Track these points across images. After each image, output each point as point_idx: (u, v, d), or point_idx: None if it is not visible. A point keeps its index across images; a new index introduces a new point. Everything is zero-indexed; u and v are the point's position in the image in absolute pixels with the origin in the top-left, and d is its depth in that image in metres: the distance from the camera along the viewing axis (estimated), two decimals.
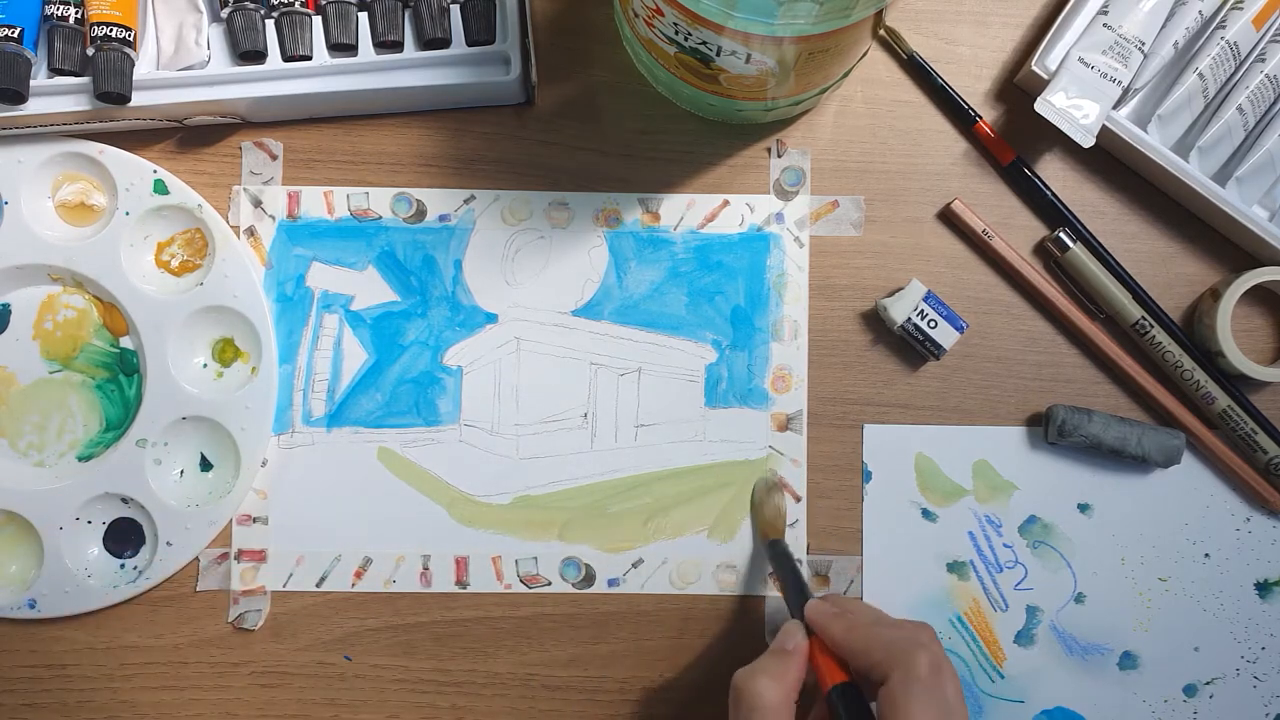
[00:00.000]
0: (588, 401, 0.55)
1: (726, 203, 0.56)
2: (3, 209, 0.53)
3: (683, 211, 0.56)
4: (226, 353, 0.55)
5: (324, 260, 0.55)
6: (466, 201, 0.55)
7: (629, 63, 0.55)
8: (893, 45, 0.56)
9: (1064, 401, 0.55)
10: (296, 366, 0.55)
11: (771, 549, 0.52)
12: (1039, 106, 0.51)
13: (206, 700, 0.54)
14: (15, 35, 0.50)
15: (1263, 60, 0.52)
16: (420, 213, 0.55)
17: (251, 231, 0.55)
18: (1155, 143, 0.53)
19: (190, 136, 0.55)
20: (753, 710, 0.44)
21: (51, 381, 0.55)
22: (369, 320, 0.55)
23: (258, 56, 0.52)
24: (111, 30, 0.50)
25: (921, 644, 0.44)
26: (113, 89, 0.50)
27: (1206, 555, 0.56)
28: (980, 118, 0.56)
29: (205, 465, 0.55)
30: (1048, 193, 0.55)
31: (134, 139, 0.55)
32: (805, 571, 0.55)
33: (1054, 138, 0.54)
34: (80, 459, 0.54)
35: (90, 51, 0.51)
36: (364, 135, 0.55)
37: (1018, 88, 0.56)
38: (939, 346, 0.54)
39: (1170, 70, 0.53)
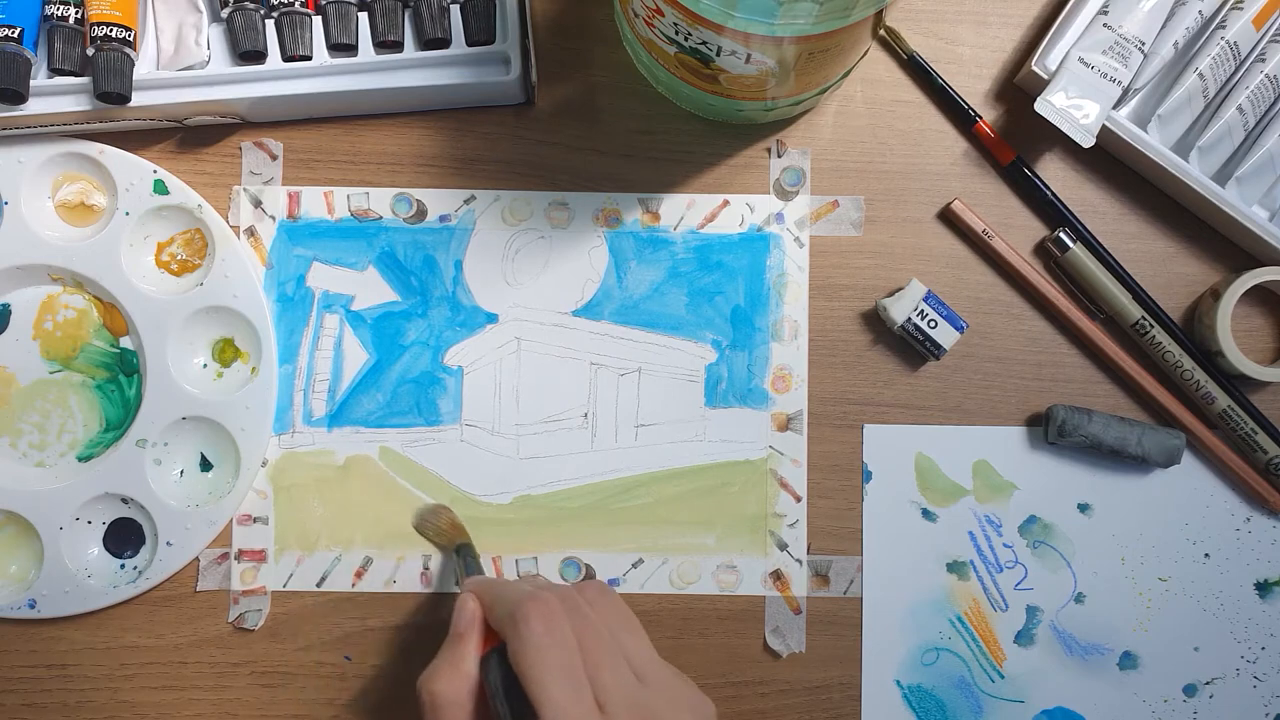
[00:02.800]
0: (588, 401, 0.55)
1: (726, 203, 0.56)
2: (3, 209, 0.53)
3: (683, 211, 0.56)
4: (226, 353, 0.55)
5: (324, 260, 0.55)
6: (467, 202, 0.55)
7: (629, 63, 0.55)
8: (893, 45, 0.56)
9: (1064, 401, 0.55)
10: (297, 366, 0.55)
11: (458, 552, 0.51)
12: (1039, 106, 0.51)
13: (206, 700, 0.54)
14: (15, 35, 0.50)
15: (1263, 60, 0.52)
16: (420, 213, 0.55)
17: (251, 231, 0.55)
18: (1155, 143, 0.53)
19: (190, 136, 0.55)
20: (434, 710, 0.42)
21: (51, 381, 0.55)
22: (369, 320, 0.55)
23: (258, 56, 0.52)
24: (111, 30, 0.50)
25: (534, 595, 0.42)
26: (113, 89, 0.50)
27: (1206, 555, 0.56)
28: (980, 118, 0.56)
29: (205, 465, 0.55)
30: (1048, 193, 0.55)
31: (134, 139, 0.55)
32: (804, 572, 0.55)
33: (1054, 138, 0.54)
34: (80, 459, 0.55)
35: (90, 51, 0.51)
36: (364, 135, 0.55)
37: (1018, 88, 0.56)
38: (939, 346, 0.54)
39: (1170, 70, 0.53)
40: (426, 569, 0.54)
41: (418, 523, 0.53)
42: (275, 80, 0.52)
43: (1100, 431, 0.54)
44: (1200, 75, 0.52)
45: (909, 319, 0.54)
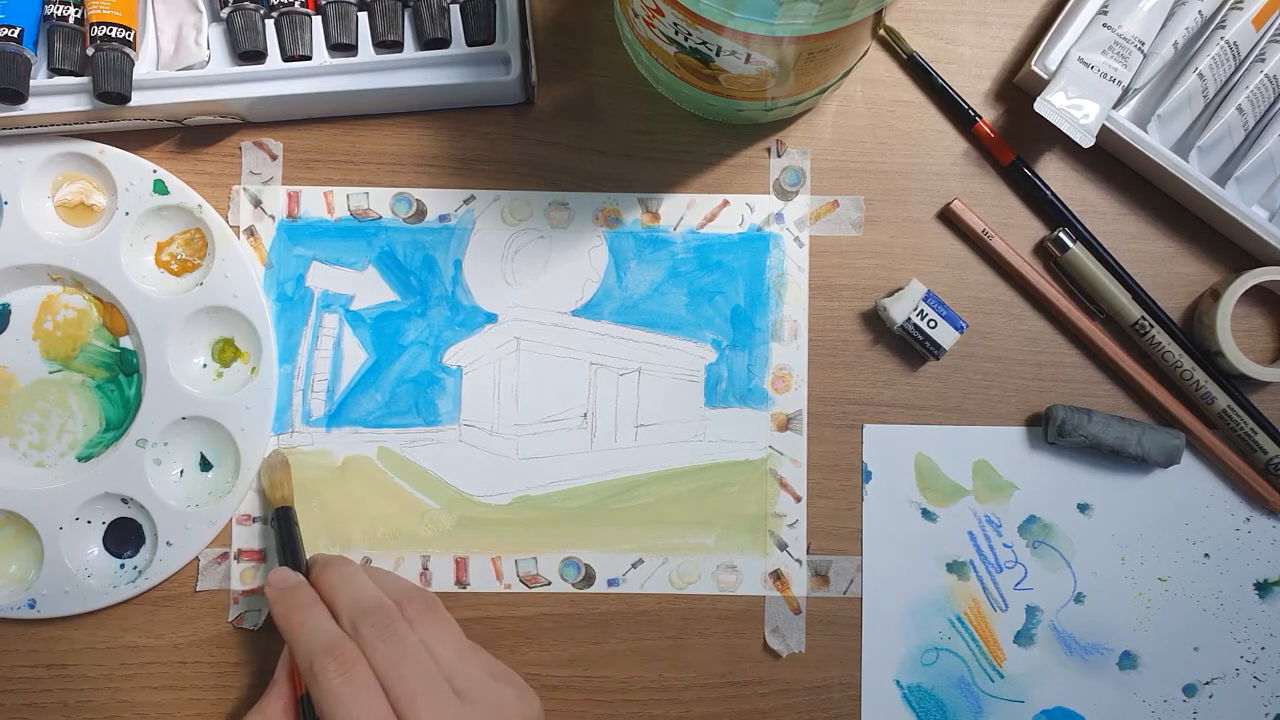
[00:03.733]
0: (588, 401, 0.55)
1: (726, 203, 0.56)
2: (3, 209, 0.53)
3: (683, 211, 0.56)
4: (226, 353, 0.55)
5: (324, 260, 0.55)
6: (466, 202, 0.55)
7: (629, 63, 0.55)
8: (893, 45, 0.56)
9: (1064, 401, 0.55)
10: (296, 366, 0.55)
11: (273, 519, 0.52)
12: (1039, 106, 0.51)
13: (206, 700, 0.54)
14: (15, 35, 0.50)
15: (1263, 60, 0.52)
16: (420, 213, 0.55)
17: (251, 231, 0.55)
18: (1155, 143, 0.53)
19: (190, 136, 0.55)
20: None
21: (51, 381, 0.55)
22: (369, 320, 0.55)
23: (258, 56, 0.52)
24: (111, 30, 0.50)
25: (332, 648, 0.44)
26: (113, 89, 0.50)
27: (1206, 555, 0.56)
28: (980, 118, 0.56)
29: (205, 465, 0.55)
30: (1048, 193, 0.55)
31: (134, 139, 0.55)
32: (804, 572, 0.55)
33: (1054, 138, 0.54)
34: (80, 459, 0.55)
35: (90, 51, 0.51)
36: (364, 135, 0.55)
37: (1018, 88, 0.56)
38: (939, 346, 0.54)
39: (1170, 70, 0.53)
40: (426, 569, 0.54)
41: (261, 475, 0.54)
42: (275, 80, 0.52)
43: (1100, 431, 0.54)
44: (1200, 75, 0.52)
45: (909, 319, 0.54)
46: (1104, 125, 0.52)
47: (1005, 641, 0.55)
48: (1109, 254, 0.55)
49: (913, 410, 0.55)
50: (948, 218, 0.56)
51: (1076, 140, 0.51)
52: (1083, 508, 0.56)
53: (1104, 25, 0.52)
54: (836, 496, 0.55)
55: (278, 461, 0.54)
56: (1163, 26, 0.52)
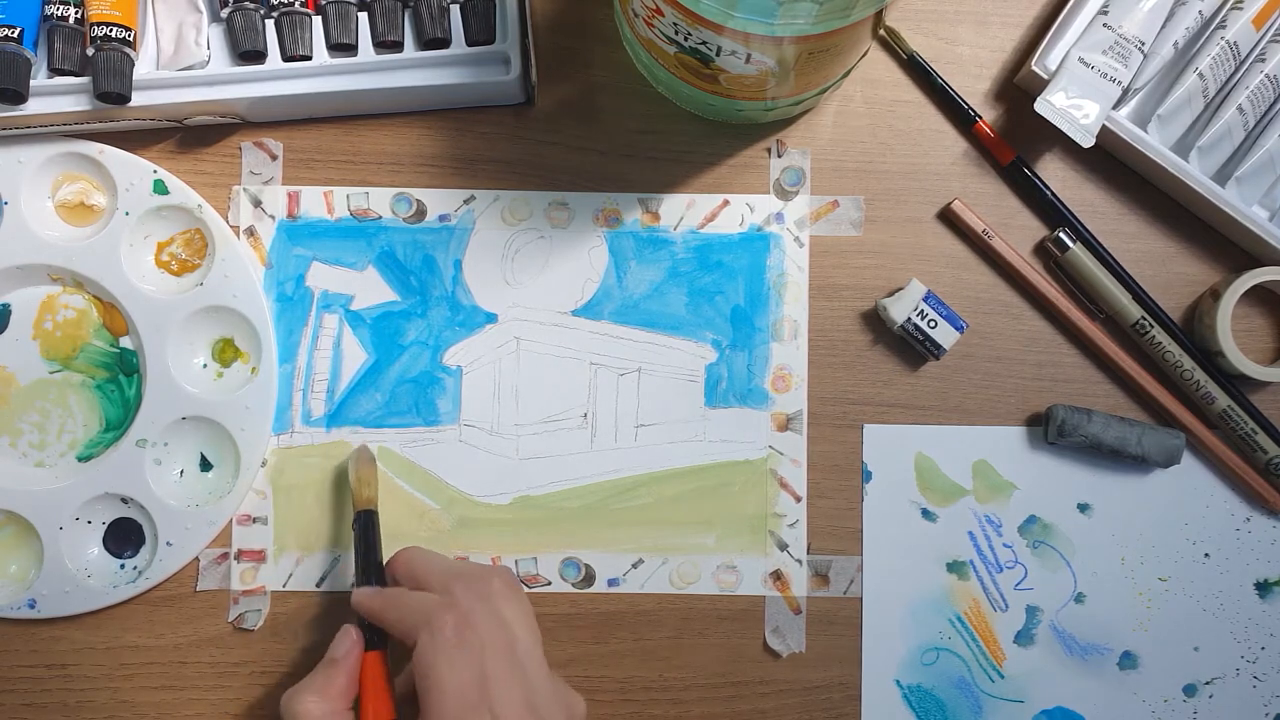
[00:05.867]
0: (588, 401, 0.55)
1: (726, 203, 0.56)
2: (3, 209, 0.53)
3: (683, 211, 0.56)
4: (226, 353, 0.55)
5: (324, 260, 0.55)
6: (466, 201, 0.55)
7: (629, 63, 0.55)
8: (893, 45, 0.56)
9: (1064, 401, 0.55)
10: (296, 366, 0.55)
11: (356, 521, 0.51)
12: (1039, 106, 0.51)
13: (206, 700, 0.54)
14: (15, 35, 0.50)
15: (1263, 60, 0.52)
16: (420, 213, 0.55)
17: (251, 231, 0.55)
18: (1155, 143, 0.53)
19: (190, 136, 0.55)
20: None
21: (51, 381, 0.55)
22: (369, 320, 0.55)
23: (258, 56, 0.52)
24: (111, 30, 0.50)
25: (449, 604, 0.44)
26: (113, 89, 0.50)
27: (1206, 555, 0.56)
28: (980, 118, 0.56)
29: (205, 465, 0.55)
30: (1048, 193, 0.55)
31: (134, 139, 0.55)
32: (804, 572, 0.55)
33: (1054, 138, 0.54)
34: (80, 459, 0.54)
35: (90, 51, 0.51)
36: (364, 135, 0.55)
37: (1018, 88, 0.56)
38: (939, 346, 0.54)
39: (1170, 70, 0.53)
40: None
41: (349, 468, 0.53)
42: (275, 80, 0.52)
43: (1100, 431, 0.54)
44: (1200, 75, 0.52)
45: (909, 319, 0.53)
46: (1104, 125, 0.52)
47: (1005, 641, 0.55)
48: (1109, 254, 0.55)
49: (913, 410, 0.55)
50: (948, 218, 0.56)
51: (1076, 140, 0.51)
52: (1083, 508, 0.56)
53: (1104, 25, 0.52)
54: (836, 496, 0.55)
55: (365, 457, 0.53)
56: (1163, 26, 0.52)
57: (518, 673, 0.44)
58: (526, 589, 0.54)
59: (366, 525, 0.51)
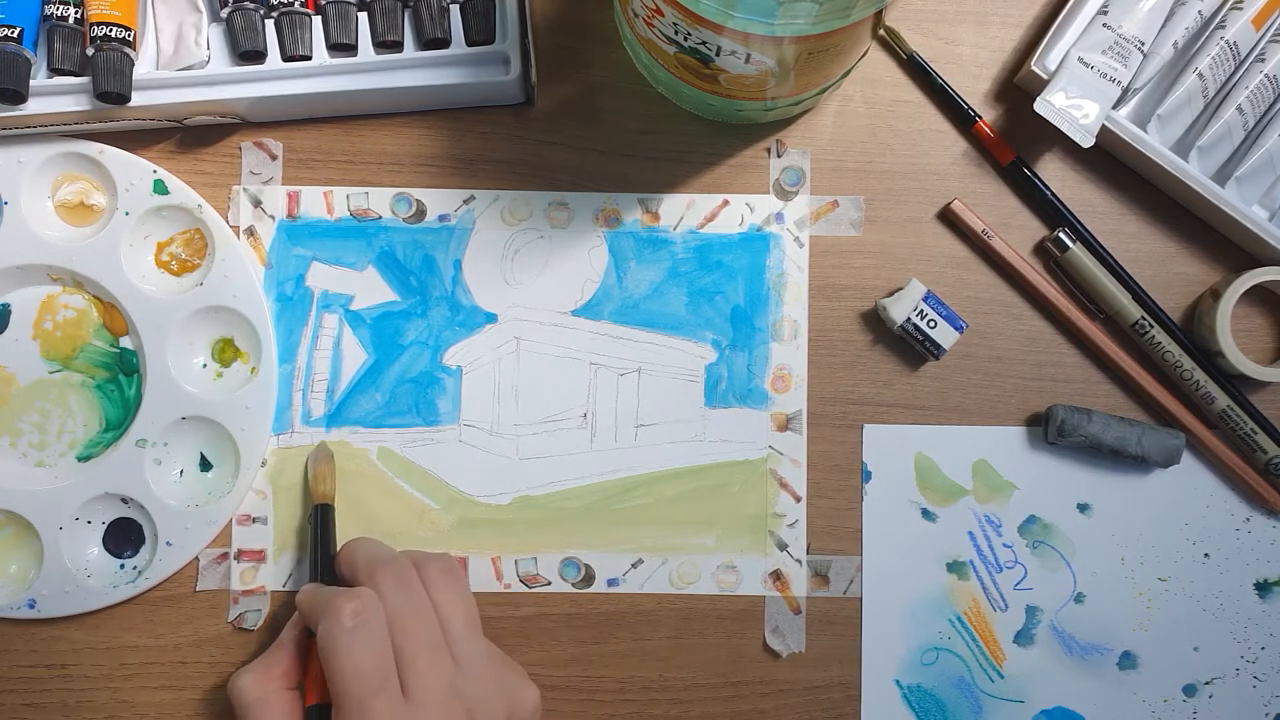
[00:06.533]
0: (587, 401, 0.55)
1: (726, 203, 0.56)
2: (3, 209, 0.53)
3: (682, 211, 0.56)
4: (226, 353, 0.55)
5: (324, 260, 0.55)
6: (466, 201, 0.55)
7: (629, 63, 0.55)
8: (893, 45, 0.56)
9: (1064, 401, 0.55)
10: (296, 366, 0.55)
11: (311, 516, 0.52)
12: (1039, 106, 0.51)
13: (206, 700, 0.54)
14: (15, 35, 0.50)
15: (1262, 60, 0.52)
16: (420, 213, 0.55)
17: (251, 231, 0.55)
18: (1155, 143, 0.53)
19: (190, 136, 0.55)
20: (241, 708, 0.46)
21: (51, 381, 0.55)
22: (369, 320, 0.55)
23: (257, 56, 0.52)
24: (111, 30, 0.50)
25: (354, 593, 0.44)
26: (112, 89, 0.50)
27: (1206, 555, 0.56)
28: (980, 118, 0.56)
29: (205, 465, 0.55)
30: (1048, 193, 0.55)
31: (134, 139, 0.55)
32: (804, 572, 0.55)
33: (1054, 138, 0.54)
34: (80, 459, 0.55)
35: (90, 51, 0.51)
36: (364, 135, 0.55)
37: (1018, 88, 0.56)
38: (939, 346, 0.54)
39: (1170, 70, 0.53)
40: None
41: (307, 466, 0.54)
42: (275, 80, 0.52)
43: (1100, 431, 0.54)
44: (1200, 75, 0.52)
45: (909, 319, 0.54)
46: (1104, 125, 0.52)
47: (1005, 641, 0.55)
48: (1109, 254, 0.55)
49: (913, 410, 0.55)
50: (948, 218, 0.56)
51: (1076, 140, 0.51)
52: (1083, 508, 0.56)
53: (1104, 25, 0.52)
54: (836, 496, 0.55)
55: (323, 455, 0.54)
56: (1163, 26, 0.52)
57: (438, 656, 0.44)
58: (526, 589, 0.55)
59: (321, 520, 0.52)
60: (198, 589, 0.54)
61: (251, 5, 0.52)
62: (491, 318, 0.55)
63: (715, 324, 0.55)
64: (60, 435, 0.55)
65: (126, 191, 0.54)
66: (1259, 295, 0.56)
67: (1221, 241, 0.56)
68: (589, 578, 0.55)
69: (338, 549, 0.51)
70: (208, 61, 0.53)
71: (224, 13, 0.52)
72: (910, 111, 0.56)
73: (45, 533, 0.53)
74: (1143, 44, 0.51)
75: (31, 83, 0.51)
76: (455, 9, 0.53)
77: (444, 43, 0.53)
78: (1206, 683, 0.55)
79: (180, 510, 0.53)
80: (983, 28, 0.57)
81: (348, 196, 0.55)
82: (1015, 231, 0.56)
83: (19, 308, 0.55)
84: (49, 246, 0.54)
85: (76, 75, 0.51)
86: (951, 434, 0.56)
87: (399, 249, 0.55)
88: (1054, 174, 0.56)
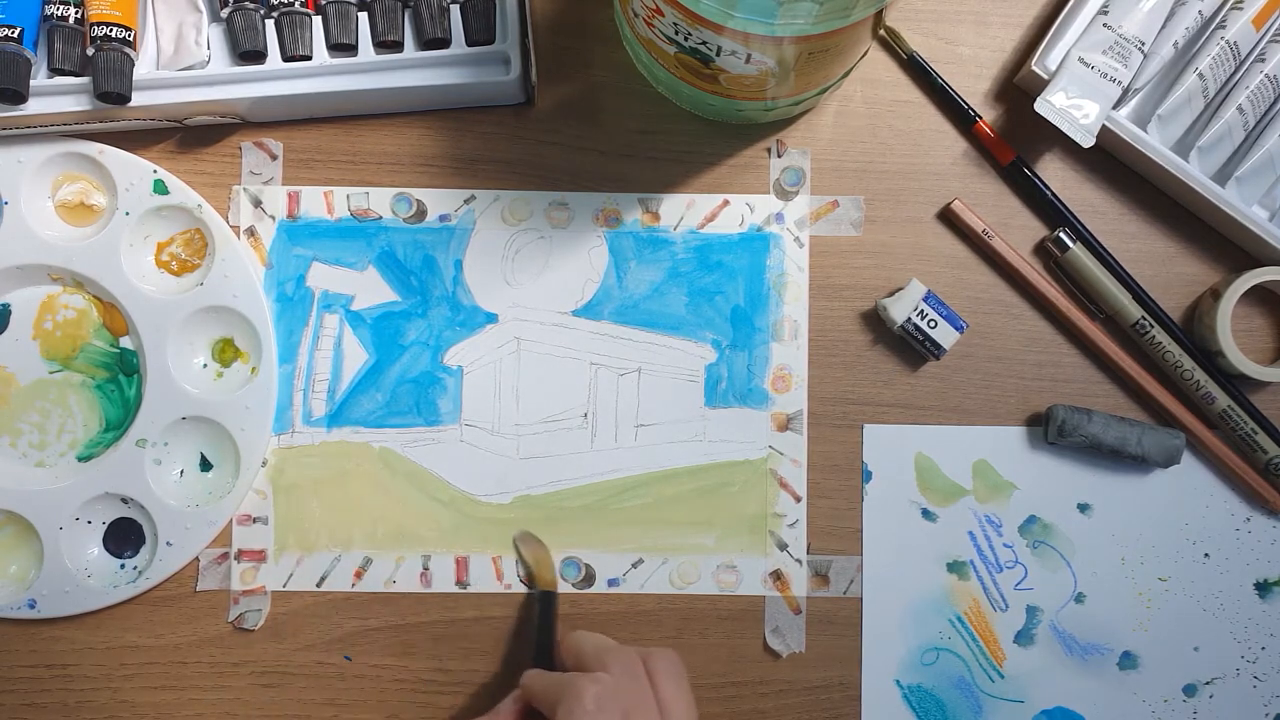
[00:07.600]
0: (588, 401, 0.55)
1: (726, 202, 0.56)
2: (3, 209, 0.53)
3: (683, 211, 0.56)
4: (226, 353, 0.55)
5: (324, 260, 0.55)
6: (466, 201, 0.55)
7: (629, 63, 0.55)
8: (893, 45, 0.56)
9: (1064, 401, 0.55)
10: (296, 366, 0.55)
11: (538, 602, 0.52)
12: (1039, 106, 0.51)
13: (206, 700, 0.54)
14: (15, 35, 0.50)
15: (1263, 60, 0.52)
16: (420, 213, 0.55)
17: (251, 231, 0.55)
18: (1155, 143, 0.53)
19: (190, 136, 0.55)
20: None
21: (51, 381, 0.55)
22: (369, 320, 0.55)
23: (258, 56, 0.52)
24: (111, 30, 0.50)
25: (594, 677, 0.44)
26: (113, 89, 0.50)
27: (1206, 555, 0.56)
28: (980, 118, 0.56)
29: (205, 465, 0.55)
30: (1048, 193, 0.55)
31: (134, 139, 0.55)
32: (804, 572, 0.55)
33: (1054, 138, 0.54)
34: (80, 459, 0.55)
35: (90, 51, 0.51)
36: (364, 135, 0.55)
37: (1018, 88, 0.56)
38: (939, 346, 0.54)
39: (1170, 70, 0.53)
40: (426, 569, 0.54)
41: (519, 551, 0.54)
42: (275, 80, 0.52)
43: (1100, 431, 0.54)
44: (1200, 75, 0.52)
45: (909, 319, 0.54)
46: (1104, 125, 0.52)
47: (1005, 641, 0.55)
48: (1109, 254, 0.55)
49: (913, 410, 0.55)
50: (948, 218, 0.56)
51: (1076, 140, 0.51)
52: (1083, 508, 0.56)
53: (1104, 25, 0.52)
54: (836, 496, 0.55)
55: (533, 539, 0.54)
56: (1163, 26, 0.52)
57: None
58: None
59: (546, 606, 0.51)
60: (198, 589, 0.54)
61: (252, 5, 0.52)
62: (492, 318, 0.55)
63: (715, 324, 0.55)
64: (60, 435, 0.55)
65: (126, 191, 0.54)
66: (1259, 295, 0.56)
67: (1222, 241, 0.56)
68: (589, 578, 0.55)
69: (559, 637, 0.51)
70: (208, 61, 0.53)
71: (224, 13, 0.52)
72: (910, 111, 0.56)
73: (45, 533, 0.53)
74: (1143, 44, 0.51)
75: (32, 83, 0.51)
76: (455, 9, 0.53)
77: (444, 43, 0.53)
78: (1206, 683, 0.55)
79: (180, 510, 0.53)
80: (983, 28, 0.57)
81: (348, 196, 0.55)
82: (1015, 231, 0.56)
83: (19, 308, 0.55)
84: (49, 246, 0.54)
85: (77, 75, 0.51)
86: (951, 434, 0.56)
87: (399, 249, 0.55)
88: (1054, 174, 0.56)
